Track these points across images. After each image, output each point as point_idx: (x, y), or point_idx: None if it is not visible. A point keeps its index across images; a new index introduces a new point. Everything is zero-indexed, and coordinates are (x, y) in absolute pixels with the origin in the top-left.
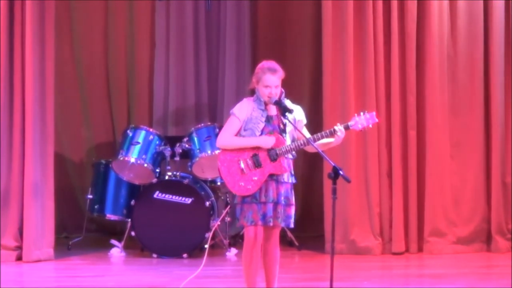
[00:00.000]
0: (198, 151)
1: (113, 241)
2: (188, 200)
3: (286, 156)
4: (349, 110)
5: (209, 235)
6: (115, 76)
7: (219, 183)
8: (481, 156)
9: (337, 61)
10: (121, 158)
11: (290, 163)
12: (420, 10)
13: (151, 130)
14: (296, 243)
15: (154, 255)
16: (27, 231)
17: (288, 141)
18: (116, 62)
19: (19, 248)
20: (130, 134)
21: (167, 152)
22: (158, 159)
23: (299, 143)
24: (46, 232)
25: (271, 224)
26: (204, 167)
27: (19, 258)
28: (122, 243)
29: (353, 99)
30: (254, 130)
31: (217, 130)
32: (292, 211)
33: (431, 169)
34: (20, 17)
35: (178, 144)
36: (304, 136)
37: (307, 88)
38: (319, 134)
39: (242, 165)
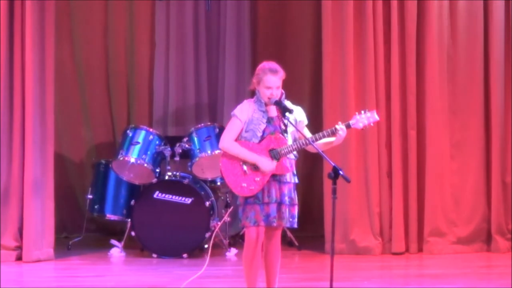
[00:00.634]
0: (198, 151)
1: (113, 241)
2: (188, 200)
3: (288, 156)
4: (349, 110)
5: (209, 235)
6: (115, 76)
7: (219, 183)
8: (481, 156)
9: (337, 61)
10: (121, 158)
11: (293, 163)
12: (420, 10)
13: (151, 130)
14: (296, 243)
15: (154, 255)
16: (27, 231)
17: (289, 141)
18: (116, 62)
19: (19, 248)
20: (130, 134)
21: (167, 152)
22: (158, 159)
23: (300, 143)
24: (46, 232)
25: (275, 224)
26: (204, 167)
27: (19, 258)
28: (122, 243)
29: (353, 99)
30: (255, 131)
31: (217, 130)
32: (296, 211)
33: (431, 169)
34: (20, 17)
35: (178, 144)
36: (305, 137)
37: (307, 88)
38: (320, 134)
39: (244, 167)
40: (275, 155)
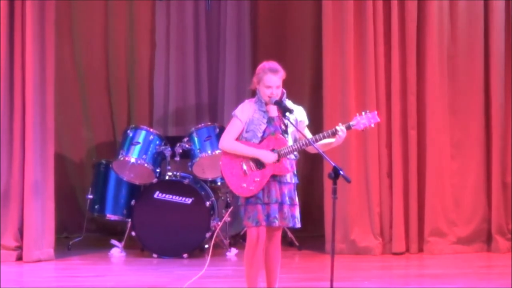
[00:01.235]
0: (198, 151)
1: (113, 241)
2: (189, 200)
3: (288, 156)
4: (349, 110)
5: (209, 235)
6: (115, 76)
7: (219, 183)
8: (481, 156)
9: (337, 61)
10: (122, 158)
11: (293, 164)
12: (420, 10)
13: (151, 130)
14: (297, 243)
15: (155, 255)
16: (27, 231)
17: (290, 141)
18: (116, 62)
19: (19, 248)
20: (131, 134)
21: (168, 152)
22: (159, 159)
23: (300, 144)
24: (46, 232)
25: (276, 224)
26: (205, 167)
27: (19, 258)
28: (123, 243)
29: (353, 99)
30: (256, 131)
31: (217, 130)
32: (297, 211)
33: (432, 169)
34: (20, 17)
35: (178, 144)
36: (305, 137)
37: (307, 88)
38: (320, 135)
39: (244, 167)
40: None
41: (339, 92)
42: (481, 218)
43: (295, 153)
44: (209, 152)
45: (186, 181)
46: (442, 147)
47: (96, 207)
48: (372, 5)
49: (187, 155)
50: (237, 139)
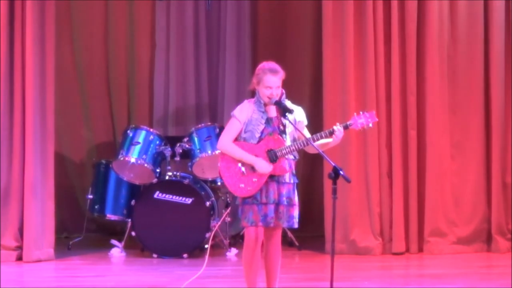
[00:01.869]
0: (198, 151)
1: (114, 241)
2: (189, 200)
3: (287, 157)
4: (349, 110)
5: (209, 235)
6: (116, 76)
7: (219, 183)
8: (481, 156)
9: (337, 61)
10: (122, 158)
11: (292, 164)
12: (420, 10)
13: (151, 130)
14: (297, 243)
15: (155, 255)
16: (27, 231)
17: (288, 142)
18: (116, 62)
19: (19, 248)
20: (131, 134)
21: (168, 152)
22: (159, 159)
23: (299, 144)
24: (46, 232)
25: (272, 225)
26: (205, 167)
27: (19, 258)
28: (123, 243)
29: (353, 99)
30: (254, 132)
31: (217, 130)
32: (295, 211)
33: (432, 169)
34: (20, 17)
35: (178, 144)
36: (304, 136)
37: (307, 88)
38: (318, 135)
39: (242, 167)
40: (272, 156)
41: (339, 92)
42: (481, 218)
43: (295, 153)
44: (209, 152)
45: (186, 181)
46: (442, 147)
47: (96, 207)
48: (372, 5)
49: (187, 155)
50: (235, 139)
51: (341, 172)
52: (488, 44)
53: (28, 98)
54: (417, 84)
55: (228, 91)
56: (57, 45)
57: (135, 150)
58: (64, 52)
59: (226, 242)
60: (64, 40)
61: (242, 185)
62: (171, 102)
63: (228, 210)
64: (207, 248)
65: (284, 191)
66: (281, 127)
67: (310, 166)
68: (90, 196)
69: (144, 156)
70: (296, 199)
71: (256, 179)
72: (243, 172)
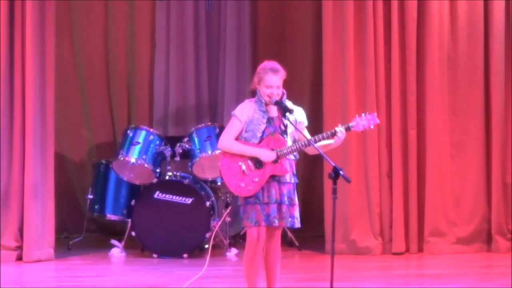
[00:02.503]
0: (198, 151)
1: (114, 241)
2: (189, 200)
3: (287, 157)
4: (349, 110)
5: (209, 235)
6: (116, 76)
7: (219, 183)
8: (481, 156)
9: (337, 61)
10: (122, 158)
11: (292, 164)
12: (421, 10)
13: (151, 130)
14: (297, 243)
15: (155, 255)
16: (28, 231)
17: (289, 142)
18: (117, 62)
19: (20, 248)
20: (131, 134)
21: (168, 152)
22: (159, 159)
23: (300, 144)
24: (47, 232)
25: (276, 224)
26: (205, 167)
27: (19, 258)
28: (123, 243)
29: (353, 99)
30: (255, 131)
31: (217, 130)
32: (296, 211)
33: (431, 169)
34: (20, 17)
35: (178, 144)
36: (305, 137)
37: (307, 88)
38: (320, 135)
39: (243, 167)
40: None
41: (339, 92)
42: (481, 218)
43: (295, 153)
44: (209, 152)
45: (186, 181)
46: (442, 147)
47: (96, 207)
48: (372, 5)
49: (187, 155)
50: (236, 139)
51: (341, 172)
52: (488, 44)
53: (28, 98)
54: (417, 84)
55: (228, 91)
56: (57, 45)
57: (135, 150)
58: (64, 52)
59: (226, 242)
60: (64, 40)
61: (243, 185)
62: (171, 102)
63: (228, 210)
64: (207, 248)
65: (285, 190)
66: (282, 127)
67: (310, 166)
68: (90, 196)
69: (144, 156)
70: (296, 198)
71: (257, 179)
72: (243, 171)
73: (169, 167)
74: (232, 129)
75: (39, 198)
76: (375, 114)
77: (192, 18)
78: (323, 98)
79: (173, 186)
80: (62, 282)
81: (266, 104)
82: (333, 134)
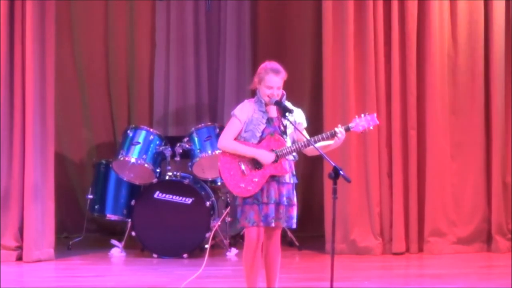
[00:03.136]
0: (198, 151)
1: (113, 241)
2: (189, 200)
3: (287, 157)
4: (349, 111)
5: (209, 235)
6: (116, 76)
7: (219, 183)
8: (481, 156)
9: (338, 61)
10: (122, 158)
11: (292, 164)
12: (421, 10)
13: (151, 130)
14: (297, 243)
15: (154, 255)
16: (28, 231)
17: (288, 142)
18: (117, 62)
19: (20, 248)
20: (131, 134)
21: (168, 152)
22: (159, 159)
23: (299, 145)
24: (47, 232)
25: (273, 225)
26: (205, 167)
27: (19, 258)
28: (123, 243)
29: (353, 100)
30: (255, 131)
31: (218, 130)
32: (294, 211)
33: (432, 169)
34: (20, 17)
35: (178, 144)
36: (305, 137)
37: (307, 88)
38: (319, 136)
39: (243, 167)
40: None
41: (339, 92)
42: (481, 218)
43: (294, 154)
44: (209, 152)
45: (186, 181)
46: (442, 147)
47: (96, 207)
48: (372, 6)
49: (187, 155)
50: (235, 139)
51: (341, 172)
52: (488, 44)
53: (28, 98)
54: (417, 84)
55: (228, 91)
56: (57, 45)
57: (135, 150)
58: (64, 52)
59: (226, 242)
60: (64, 40)
61: (243, 185)
62: (171, 102)
63: (228, 210)
64: (207, 248)
65: (284, 191)
66: (282, 128)
67: (310, 166)
68: (90, 196)
69: (144, 156)
70: (295, 199)
71: (256, 179)
72: (243, 171)
73: (169, 167)
74: (231, 129)
75: (39, 198)
76: (375, 114)
77: (192, 18)
78: (323, 99)
79: (173, 186)
80: (62, 282)
81: (266, 104)
82: (333, 135)
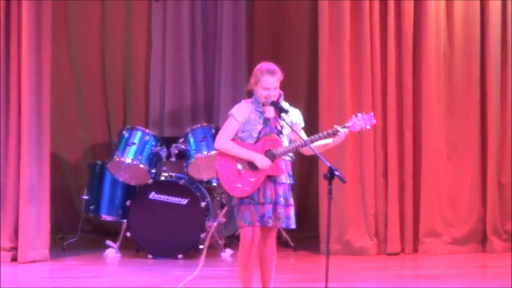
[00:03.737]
0: (194, 151)
1: (108, 242)
2: (184, 201)
3: (283, 157)
4: (345, 111)
5: (204, 236)
6: (112, 77)
7: (214, 184)
8: (477, 156)
9: (334, 61)
10: (117, 159)
11: (288, 164)
12: (417, 10)
13: (147, 130)
14: (292, 244)
15: (150, 256)
16: (23, 232)
17: (285, 142)
18: (113, 63)
19: (15, 248)
20: (126, 135)
21: (163, 152)
22: (154, 160)
23: (296, 145)
24: (42, 232)
25: (270, 224)
26: (200, 167)
27: (14, 259)
28: (118, 243)
29: (349, 100)
30: (251, 132)
31: (213, 131)
32: (292, 211)
33: (427, 169)
34: (17, 18)
35: (174, 145)
36: (301, 138)
37: (304, 88)
38: (316, 136)
39: (239, 167)
40: (270, 156)
41: (335, 92)
42: (477, 218)
43: (291, 154)
44: (205, 152)
45: (181, 182)
46: (438, 148)
47: (91, 207)
48: (368, 6)
49: (183, 155)
50: (232, 139)
51: (336, 173)
52: (484, 45)
53: (24, 99)
54: (413, 84)
55: (224, 91)
56: (53, 46)
57: (131, 150)
58: (60, 53)
59: (221, 242)
60: (61, 40)
61: (239, 185)
62: (167, 102)
63: (224, 211)
64: (202, 248)
65: (281, 191)
66: (279, 128)
67: (305, 166)
68: (86, 197)
69: (139, 157)
70: (291, 199)
71: (253, 179)
72: (240, 172)
73: (164, 168)
74: (229, 129)
75: (35, 199)
76: (372, 114)
77: (188, 19)
78: (319, 99)
79: (169, 187)
80: (57, 282)
81: (263, 105)
82: (330, 134)
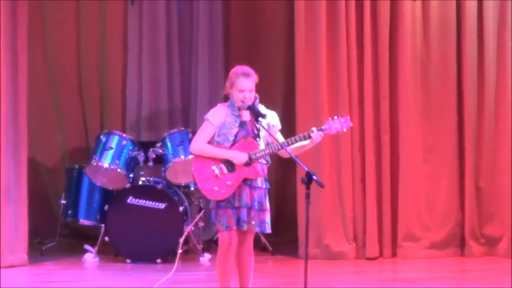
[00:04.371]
0: (171, 156)
1: (87, 246)
2: (162, 205)
3: (260, 161)
4: (322, 114)
5: (181, 240)
6: (88, 81)
7: (192, 188)
8: (454, 160)
9: (310, 64)
10: (94, 163)
11: (264, 168)
12: (393, 14)
13: (124, 135)
14: (270, 248)
15: (128, 260)
16: (1, 236)
17: (262, 146)
18: (89, 66)
19: None
20: (103, 139)
21: (141, 157)
22: (132, 164)
23: (273, 148)
24: (20, 237)
25: (245, 228)
26: (178, 172)
27: None
28: (96, 248)
29: (326, 103)
30: (228, 135)
31: (190, 135)
32: (267, 216)
33: (405, 173)
34: None
35: (151, 149)
36: (277, 141)
37: (280, 91)
38: (292, 138)
39: (216, 171)
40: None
41: (312, 95)
42: (454, 222)
43: (267, 158)
44: (182, 157)
45: (159, 186)
46: (415, 151)
47: (69, 212)
48: (344, 6)
49: (160, 160)
50: (208, 143)
51: (314, 177)
52: (460, 48)
53: (1, 103)
54: (389, 88)
55: (201, 95)
56: (29, 49)
57: (108, 155)
58: (36, 56)
59: (200, 247)
60: (36, 44)
61: (216, 188)
62: (144, 106)
63: (201, 215)
64: (178, 252)
65: (256, 195)
66: (255, 131)
67: (283, 170)
68: (63, 201)
69: (117, 161)
70: (267, 204)
71: (230, 182)
72: (216, 175)
73: (142, 172)
74: (204, 132)
75: (12, 203)
76: (348, 117)
77: (164, 21)
78: (295, 101)
79: (146, 191)
80: (36, 287)
81: (239, 109)
82: (306, 137)
